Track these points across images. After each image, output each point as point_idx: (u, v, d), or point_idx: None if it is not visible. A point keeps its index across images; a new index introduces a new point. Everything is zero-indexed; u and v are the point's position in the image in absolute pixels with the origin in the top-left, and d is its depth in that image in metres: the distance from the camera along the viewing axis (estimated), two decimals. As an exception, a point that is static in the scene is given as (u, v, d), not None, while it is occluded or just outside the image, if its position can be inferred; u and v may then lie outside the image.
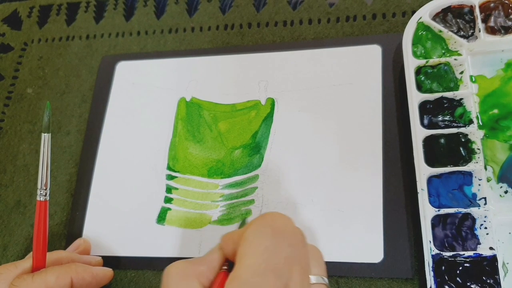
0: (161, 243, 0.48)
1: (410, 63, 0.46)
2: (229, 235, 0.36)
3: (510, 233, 0.41)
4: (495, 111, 0.45)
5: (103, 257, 0.48)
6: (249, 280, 0.31)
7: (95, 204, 0.51)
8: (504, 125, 0.44)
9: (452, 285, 0.39)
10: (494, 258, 0.39)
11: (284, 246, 0.33)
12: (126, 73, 0.57)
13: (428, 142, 0.43)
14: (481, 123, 0.44)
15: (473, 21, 0.46)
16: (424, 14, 0.47)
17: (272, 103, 0.51)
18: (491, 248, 0.40)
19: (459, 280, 0.39)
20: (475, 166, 0.42)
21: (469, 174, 0.42)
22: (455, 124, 0.44)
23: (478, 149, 0.42)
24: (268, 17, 0.56)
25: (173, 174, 0.50)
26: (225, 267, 0.35)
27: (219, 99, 0.53)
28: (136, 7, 0.61)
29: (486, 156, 0.43)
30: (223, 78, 0.54)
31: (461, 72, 0.45)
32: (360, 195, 0.45)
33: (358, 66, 0.50)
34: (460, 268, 0.39)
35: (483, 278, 0.39)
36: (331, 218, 0.45)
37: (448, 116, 0.44)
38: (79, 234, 0.50)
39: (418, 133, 0.43)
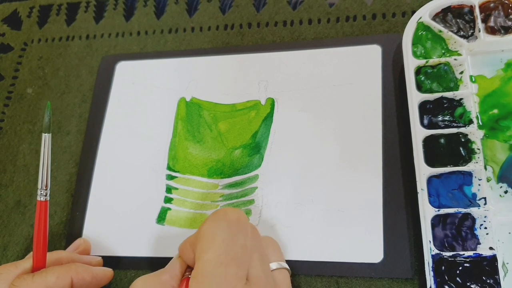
0: (161, 243, 0.48)
1: (410, 63, 0.46)
2: (186, 242, 0.37)
3: (510, 233, 0.41)
4: (495, 111, 0.45)
5: (103, 257, 0.48)
6: (212, 271, 0.31)
7: (95, 204, 0.51)
8: (504, 125, 0.44)
9: (452, 285, 0.39)
10: (494, 258, 0.39)
11: (240, 236, 0.34)
12: (126, 73, 0.57)
13: (428, 142, 0.43)
14: (481, 123, 0.44)
15: (473, 21, 0.46)
16: (424, 14, 0.47)
17: (272, 103, 0.51)
18: (491, 248, 0.40)
19: (459, 280, 0.39)
20: (475, 166, 0.42)
21: (469, 174, 0.42)
22: (455, 124, 0.44)
23: (478, 149, 0.42)
24: (268, 17, 0.56)
25: (173, 174, 0.50)
26: (188, 273, 0.36)
27: (219, 99, 0.53)
28: (136, 7, 0.61)
29: (486, 156, 0.43)
30: (223, 78, 0.54)
31: (461, 72, 0.45)
32: (360, 195, 0.45)
33: (358, 66, 0.50)
34: (460, 268, 0.39)
35: (483, 278, 0.39)
36: (331, 218, 0.45)
37: (448, 116, 0.44)
38: (79, 234, 0.50)
39: (418, 133, 0.43)
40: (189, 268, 0.37)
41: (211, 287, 0.31)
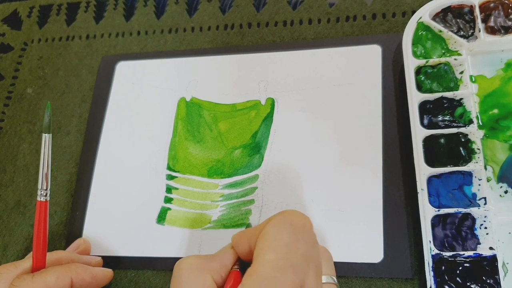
0: (161, 243, 0.48)
1: (410, 63, 0.46)
2: (243, 234, 0.36)
3: (510, 233, 0.41)
4: (495, 111, 0.45)
5: (103, 257, 0.48)
6: (269, 275, 0.31)
7: (95, 204, 0.51)
8: (504, 125, 0.44)
9: (452, 285, 0.39)
10: (494, 258, 0.39)
11: (302, 243, 0.33)
12: (126, 73, 0.57)
13: (428, 142, 0.43)
14: (481, 123, 0.44)
15: (473, 21, 0.46)
16: (424, 14, 0.47)
17: (272, 103, 0.51)
18: (491, 248, 0.40)
19: (459, 280, 0.39)
20: (475, 166, 0.42)
21: (469, 174, 0.42)
22: (455, 124, 0.44)
23: (478, 149, 0.42)
24: (268, 17, 0.56)
25: (173, 174, 0.50)
26: (237, 267, 0.35)
27: (219, 99, 0.53)
28: (136, 7, 0.61)
29: (486, 156, 0.43)
30: (223, 78, 0.54)
31: (461, 72, 0.45)
32: (360, 195, 0.45)
33: (358, 66, 0.50)
34: (460, 268, 0.39)
35: (483, 278, 0.39)
36: (331, 218, 0.45)
37: (448, 116, 0.44)
38: (79, 234, 0.50)
39: (418, 133, 0.43)
40: (238, 261, 0.36)
41: None
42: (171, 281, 0.34)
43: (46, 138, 0.43)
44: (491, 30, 0.46)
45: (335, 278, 0.37)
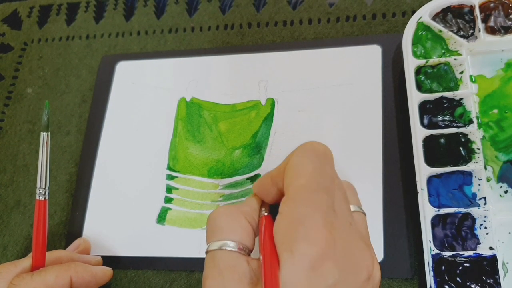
0: (161, 243, 0.48)
1: (410, 63, 0.46)
2: (265, 178, 0.37)
3: (510, 233, 0.41)
4: (495, 111, 0.45)
5: (103, 257, 0.48)
6: (304, 197, 0.31)
7: (95, 204, 0.51)
8: (504, 125, 0.44)
9: (452, 285, 0.39)
10: (494, 258, 0.39)
11: (328, 167, 0.34)
12: (126, 73, 0.57)
13: (428, 142, 0.43)
14: (481, 123, 0.44)
15: (473, 21, 0.46)
16: (424, 14, 0.47)
17: (272, 103, 0.51)
18: (491, 248, 0.40)
19: (459, 280, 0.39)
20: (475, 166, 0.42)
21: (469, 174, 0.42)
22: (455, 124, 0.44)
23: (478, 149, 0.42)
24: (268, 17, 0.56)
25: (173, 174, 0.50)
26: (264, 211, 0.36)
27: (219, 99, 0.53)
28: (136, 7, 0.61)
29: (486, 156, 0.43)
30: (223, 78, 0.54)
31: (461, 72, 0.45)
32: (360, 195, 0.45)
33: (358, 66, 0.50)
34: (460, 268, 0.39)
35: (483, 278, 0.39)
36: (331, 218, 0.45)
37: (448, 116, 0.44)
38: (79, 234, 0.50)
39: (418, 133, 0.43)
40: (265, 207, 0.36)
41: (304, 212, 0.31)
42: (207, 231, 0.34)
43: (44, 137, 0.43)
44: (491, 30, 0.46)
45: (362, 208, 0.38)
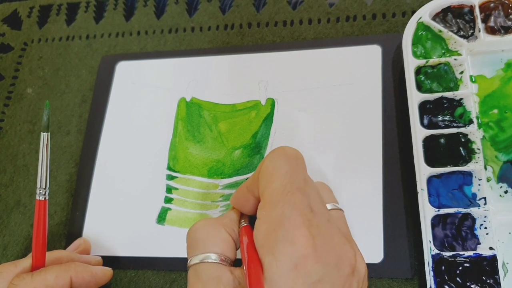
0: (161, 243, 0.48)
1: (410, 63, 0.46)
2: (240, 189, 0.37)
3: (510, 233, 0.41)
4: (495, 111, 0.45)
5: (103, 257, 0.48)
6: (280, 199, 0.32)
7: (95, 204, 0.51)
8: (504, 125, 0.44)
9: (452, 285, 0.39)
10: (494, 258, 0.39)
11: (300, 169, 0.34)
12: (126, 73, 0.57)
13: (428, 142, 0.43)
14: (481, 123, 0.44)
15: (473, 21, 0.46)
16: (424, 14, 0.47)
17: (272, 103, 0.51)
18: (491, 248, 0.40)
19: (459, 280, 0.39)
20: (475, 166, 0.42)
21: (469, 174, 0.42)
22: (455, 124, 0.44)
23: (478, 149, 0.42)
24: (268, 17, 0.56)
25: (173, 174, 0.50)
26: (243, 222, 0.36)
27: (219, 99, 0.53)
28: (136, 7, 0.61)
29: (486, 156, 0.43)
30: (223, 78, 0.54)
31: (461, 72, 0.45)
32: (360, 195, 0.45)
33: (358, 66, 0.50)
34: (460, 268, 0.39)
35: (483, 278, 0.39)
36: (331, 218, 0.45)
37: (448, 116, 0.44)
38: (79, 234, 0.50)
39: (418, 133, 0.43)
40: (242, 219, 0.37)
41: (282, 213, 0.31)
42: (187, 246, 0.35)
43: (45, 137, 0.43)
44: (491, 30, 0.46)
45: (338, 205, 0.38)
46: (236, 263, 0.35)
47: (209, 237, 0.34)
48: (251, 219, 0.36)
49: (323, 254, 0.31)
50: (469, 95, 0.44)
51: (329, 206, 0.37)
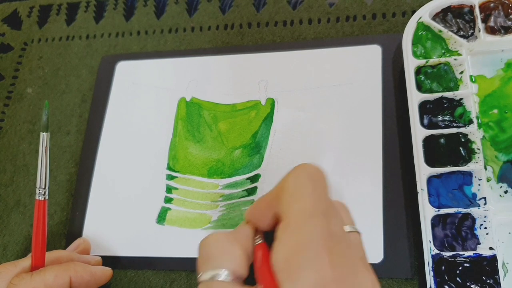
0: (161, 243, 0.48)
1: (410, 63, 0.46)
2: (258, 203, 0.36)
3: (510, 233, 0.41)
4: (495, 111, 0.45)
5: (103, 257, 0.48)
6: (304, 222, 0.31)
7: (95, 204, 0.51)
8: (504, 125, 0.44)
9: (452, 285, 0.39)
10: (494, 258, 0.39)
11: (323, 190, 0.34)
12: (126, 73, 0.57)
13: (428, 142, 0.43)
14: (481, 123, 0.44)
15: (473, 21, 0.46)
16: (424, 14, 0.47)
17: (272, 103, 0.51)
18: (491, 248, 0.40)
19: (459, 280, 0.39)
20: (475, 166, 0.42)
21: (469, 174, 0.42)
22: (455, 124, 0.44)
23: (478, 149, 0.42)
24: (268, 17, 0.56)
25: (173, 174, 0.50)
26: (258, 240, 0.35)
27: (219, 99, 0.53)
28: (136, 7, 0.61)
29: (486, 156, 0.43)
30: (223, 78, 0.54)
31: (461, 72, 0.45)
32: (360, 195, 0.45)
33: (358, 66, 0.50)
34: (460, 268, 0.39)
35: (483, 278, 0.39)
36: (331, 218, 0.45)
37: (448, 116, 0.44)
38: (79, 234, 0.50)
39: (418, 133, 0.43)
40: (257, 235, 0.36)
41: (304, 239, 0.31)
42: (199, 259, 0.34)
43: (44, 137, 0.43)
44: (491, 30, 0.46)
45: (356, 227, 0.37)
46: (247, 278, 0.34)
47: (222, 252, 0.33)
48: (266, 235, 0.35)
49: (343, 283, 0.30)
50: (469, 95, 0.44)
51: (347, 228, 0.36)
